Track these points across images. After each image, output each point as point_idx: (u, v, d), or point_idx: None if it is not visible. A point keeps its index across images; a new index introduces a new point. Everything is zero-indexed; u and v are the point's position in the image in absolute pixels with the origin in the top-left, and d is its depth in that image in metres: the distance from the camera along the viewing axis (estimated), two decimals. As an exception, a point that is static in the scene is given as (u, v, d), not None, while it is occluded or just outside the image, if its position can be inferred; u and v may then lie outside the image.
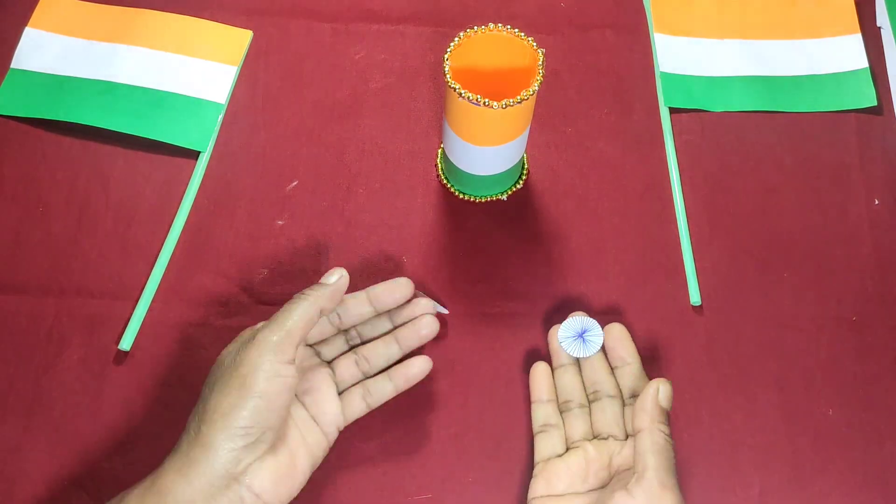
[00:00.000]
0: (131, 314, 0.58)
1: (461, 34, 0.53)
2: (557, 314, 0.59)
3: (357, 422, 0.54)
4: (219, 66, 0.67)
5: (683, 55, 0.68)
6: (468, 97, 0.51)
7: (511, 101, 0.51)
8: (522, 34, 0.53)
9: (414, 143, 0.65)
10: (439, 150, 0.64)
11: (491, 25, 0.53)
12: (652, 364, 0.58)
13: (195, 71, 0.66)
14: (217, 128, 0.64)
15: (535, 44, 0.52)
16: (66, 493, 0.53)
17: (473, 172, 0.59)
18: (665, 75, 0.67)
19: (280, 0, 0.70)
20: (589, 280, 0.60)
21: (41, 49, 0.67)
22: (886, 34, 0.69)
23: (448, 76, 0.52)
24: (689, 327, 0.59)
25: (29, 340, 0.57)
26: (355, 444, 0.55)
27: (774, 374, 0.58)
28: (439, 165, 0.64)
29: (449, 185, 0.63)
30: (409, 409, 0.56)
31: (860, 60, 0.68)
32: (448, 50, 0.52)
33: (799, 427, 0.56)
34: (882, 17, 0.70)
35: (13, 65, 0.66)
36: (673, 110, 0.66)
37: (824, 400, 0.57)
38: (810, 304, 0.60)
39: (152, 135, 0.63)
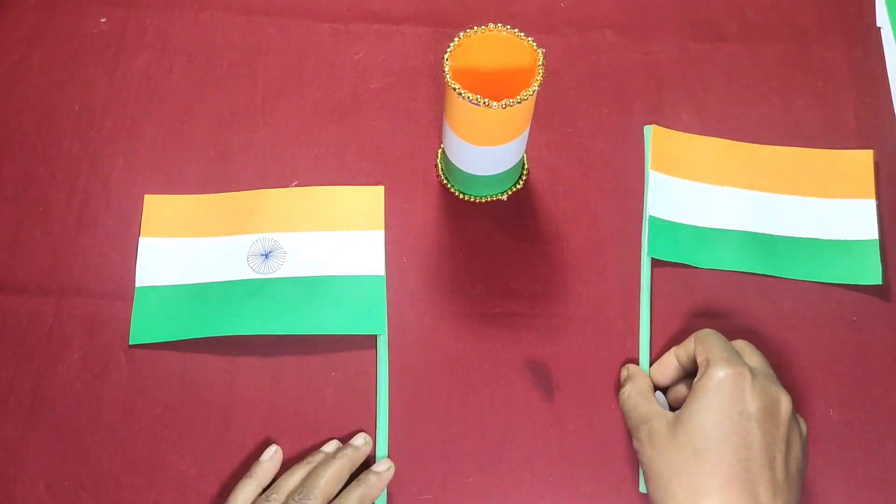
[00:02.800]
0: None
1: (461, 34, 0.53)
2: (557, 314, 0.59)
3: (357, 423, 0.55)
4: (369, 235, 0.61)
5: (677, 198, 0.62)
6: (468, 97, 0.51)
7: (511, 101, 0.51)
8: (522, 34, 0.53)
9: (414, 143, 0.65)
10: (439, 150, 0.64)
11: (491, 25, 0.53)
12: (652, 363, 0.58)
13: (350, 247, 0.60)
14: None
15: (535, 44, 0.52)
16: (67, 493, 0.53)
17: (473, 172, 0.59)
18: (654, 220, 0.61)
19: (280, 0, 0.70)
20: (589, 280, 0.60)
21: (162, 259, 0.60)
22: (886, 34, 0.69)
23: (448, 76, 0.52)
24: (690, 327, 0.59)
25: (29, 340, 0.57)
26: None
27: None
28: (439, 165, 0.64)
29: (449, 185, 0.63)
30: (410, 409, 0.56)
31: (870, 230, 0.61)
32: (448, 50, 0.52)
33: (799, 427, 0.56)
34: (882, 18, 0.70)
35: (138, 283, 0.59)
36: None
37: (824, 400, 0.57)
38: (810, 304, 0.60)
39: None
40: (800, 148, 0.64)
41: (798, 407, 0.57)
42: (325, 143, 0.65)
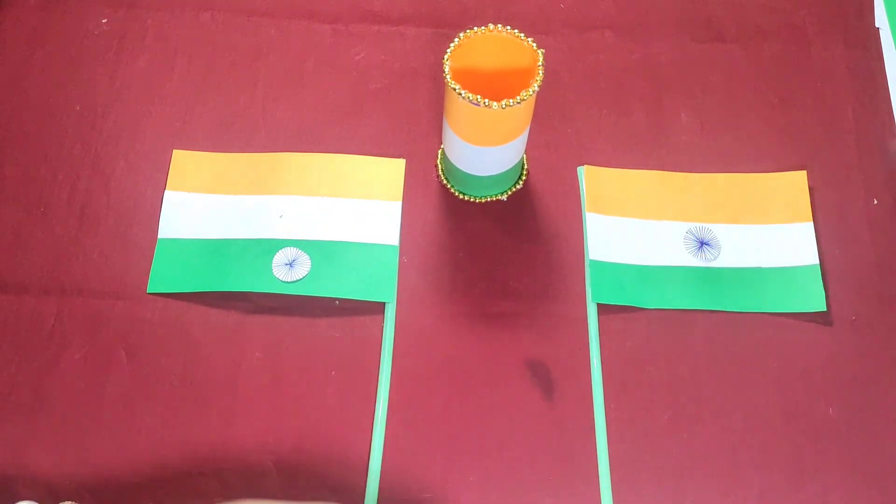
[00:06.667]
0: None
1: (461, 35, 0.53)
2: (556, 314, 0.59)
3: (357, 423, 0.55)
4: (386, 205, 0.62)
5: (616, 238, 0.61)
6: (468, 97, 0.51)
7: (511, 101, 0.51)
8: (522, 35, 0.53)
9: (414, 143, 0.65)
10: (439, 150, 0.64)
11: (490, 26, 0.53)
12: (652, 363, 0.58)
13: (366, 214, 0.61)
14: None
15: (534, 44, 0.52)
16: (68, 493, 0.53)
17: (473, 173, 0.59)
18: (595, 264, 0.60)
19: (280, 1, 0.70)
20: (589, 280, 0.60)
21: (185, 213, 0.61)
22: (885, 35, 0.69)
23: (448, 77, 0.52)
24: (690, 326, 0.59)
25: (31, 340, 0.57)
26: (356, 443, 0.55)
27: (774, 374, 0.58)
28: (439, 165, 0.64)
29: (449, 186, 0.63)
30: (409, 408, 0.56)
31: (810, 255, 0.60)
32: (448, 51, 0.52)
33: (799, 427, 0.56)
34: (881, 18, 0.70)
35: (160, 234, 0.61)
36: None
37: (824, 400, 0.57)
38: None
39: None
40: (734, 174, 0.63)
41: (798, 407, 0.57)
42: (325, 144, 0.65)
